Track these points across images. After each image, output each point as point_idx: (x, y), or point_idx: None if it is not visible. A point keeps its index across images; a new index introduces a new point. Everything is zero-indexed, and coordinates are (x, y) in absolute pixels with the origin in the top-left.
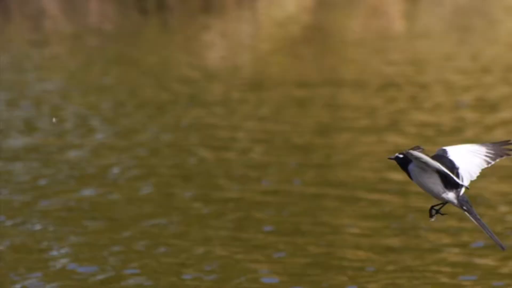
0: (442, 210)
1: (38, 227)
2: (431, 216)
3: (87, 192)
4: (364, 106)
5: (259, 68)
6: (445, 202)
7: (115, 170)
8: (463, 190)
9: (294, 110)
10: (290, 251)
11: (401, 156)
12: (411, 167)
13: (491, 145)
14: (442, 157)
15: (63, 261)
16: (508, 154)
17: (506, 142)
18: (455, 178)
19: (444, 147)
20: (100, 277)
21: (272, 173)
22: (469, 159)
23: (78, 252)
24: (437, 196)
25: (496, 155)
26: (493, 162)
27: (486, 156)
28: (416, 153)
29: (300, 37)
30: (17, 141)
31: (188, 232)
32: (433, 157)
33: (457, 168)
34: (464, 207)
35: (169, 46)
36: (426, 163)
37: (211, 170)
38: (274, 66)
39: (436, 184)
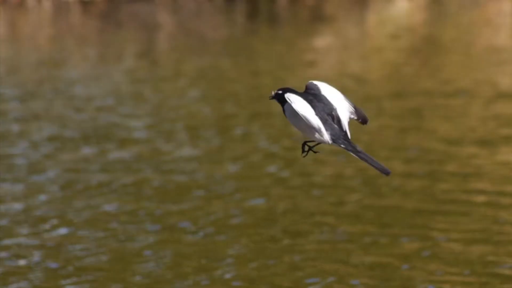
0: (315, 148)
1: (204, 235)
2: (303, 151)
3: (253, 201)
4: (480, 116)
5: (380, 78)
6: (320, 141)
7: (273, 180)
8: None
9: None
10: (439, 259)
11: (280, 92)
12: (286, 106)
13: (353, 104)
14: (317, 96)
15: (228, 269)
16: (360, 120)
17: (365, 119)
18: (325, 135)
19: (316, 82)
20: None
21: (409, 182)
22: (343, 107)
23: (242, 261)
24: (310, 136)
25: (354, 114)
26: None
27: (349, 110)
28: (293, 99)
29: (412, 47)
30: (180, 151)
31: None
32: (307, 94)
33: (335, 109)
34: (342, 145)
35: (287, 57)
36: (296, 113)
37: (347, 180)
38: (392, 75)
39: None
